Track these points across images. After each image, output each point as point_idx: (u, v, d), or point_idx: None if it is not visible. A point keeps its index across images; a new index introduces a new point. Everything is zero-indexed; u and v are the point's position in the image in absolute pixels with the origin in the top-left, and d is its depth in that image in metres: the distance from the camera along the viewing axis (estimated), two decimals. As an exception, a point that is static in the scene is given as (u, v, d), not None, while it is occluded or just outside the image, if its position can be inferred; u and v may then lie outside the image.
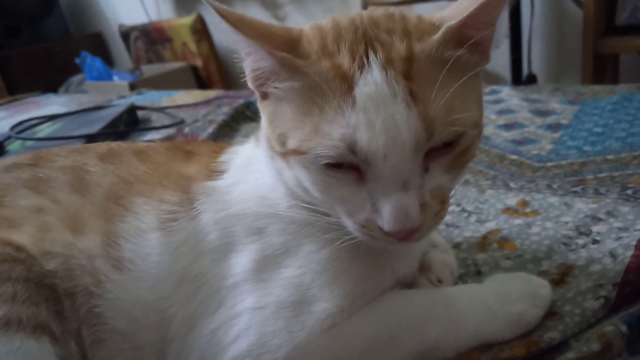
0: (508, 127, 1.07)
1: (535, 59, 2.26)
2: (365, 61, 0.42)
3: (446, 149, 0.43)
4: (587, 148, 0.90)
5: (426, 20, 0.47)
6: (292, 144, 0.44)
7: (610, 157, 0.85)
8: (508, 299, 0.52)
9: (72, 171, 0.56)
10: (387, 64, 0.42)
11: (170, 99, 1.84)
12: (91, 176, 0.56)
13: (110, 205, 0.53)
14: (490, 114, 1.14)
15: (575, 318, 0.51)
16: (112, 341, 0.48)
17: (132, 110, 1.58)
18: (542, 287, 0.54)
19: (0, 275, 0.45)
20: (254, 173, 0.54)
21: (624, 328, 0.48)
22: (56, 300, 0.47)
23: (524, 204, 0.76)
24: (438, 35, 0.43)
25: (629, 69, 2.21)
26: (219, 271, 0.50)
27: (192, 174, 0.56)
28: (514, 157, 0.93)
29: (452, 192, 0.47)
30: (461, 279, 0.62)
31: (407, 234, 0.43)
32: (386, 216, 0.42)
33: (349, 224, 0.45)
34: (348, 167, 0.43)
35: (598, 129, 0.96)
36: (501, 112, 1.16)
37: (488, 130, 1.06)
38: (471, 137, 0.44)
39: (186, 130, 1.34)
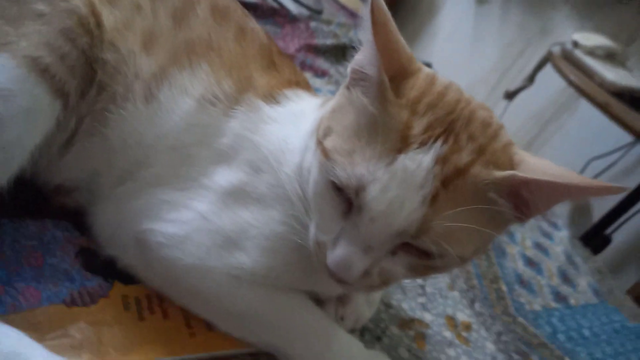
0: (529, 263, 1.06)
1: (628, 228, 2.13)
2: (432, 142, 0.43)
3: (421, 252, 0.45)
4: (560, 336, 0.90)
5: (510, 152, 0.46)
6: (328, 142, 0.47)
7: (566, 359, 0.85)
8: None
9: (184, 2, 0.60)
10: (442, 160, 0.43)
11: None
12: (194, 17, 0.59)
13: (183, 52, 0.57)
14: (527, 240, 1.12)
15: None
16: (97, 142, 0.55)
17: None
18: None
19: (69, 33, 0.50)
20: (294, 127, 0.56)
21: None
22: (89, 84, 0.53)
23: (467, 327, 0.78)
24: (498, 175, 0.43)
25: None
26: (205, 167, 0.55)
27: (257, 85, 0.59)
28: (504, 288, 0.94)
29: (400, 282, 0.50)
30: (362, 331, 0.67)
31: (338, 279, 0.47)
32: (334, 254, 0.46)
33: (312, 232, 0.49)
34: (345, 198, 0.46)
35: (586, 332, 0.95)
36: (538, 246, 1.14)
37: (513, 249, 1.06)
38: (447, 262, 0.46)
39: (312, 24, 1.34)
